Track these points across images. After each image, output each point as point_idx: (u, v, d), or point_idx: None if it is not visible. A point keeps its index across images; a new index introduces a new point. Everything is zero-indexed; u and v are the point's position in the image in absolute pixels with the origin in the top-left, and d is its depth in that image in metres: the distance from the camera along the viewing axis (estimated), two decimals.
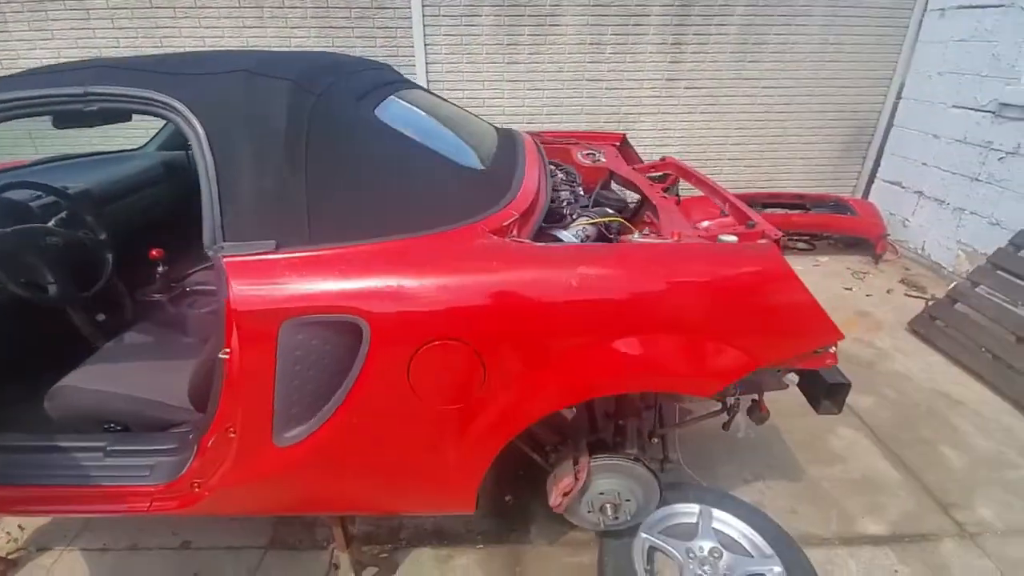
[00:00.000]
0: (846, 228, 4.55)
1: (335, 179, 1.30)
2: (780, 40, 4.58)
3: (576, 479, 1.52)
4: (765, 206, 4.70)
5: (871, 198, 5.07)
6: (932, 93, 4.36)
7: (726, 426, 1.83)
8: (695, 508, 1.89)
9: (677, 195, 2.58)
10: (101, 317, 2.22)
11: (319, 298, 1.21)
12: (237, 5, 4.29)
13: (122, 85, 1.29)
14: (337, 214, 1.29)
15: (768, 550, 1.80)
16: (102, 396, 1.67)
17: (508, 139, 2.16)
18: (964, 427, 2.71)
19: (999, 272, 3.28)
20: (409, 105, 1.80)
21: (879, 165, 5.00)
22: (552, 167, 2.41)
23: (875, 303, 3.92)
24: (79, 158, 2.53)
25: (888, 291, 4.10)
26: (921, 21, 4.47)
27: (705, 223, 1.90)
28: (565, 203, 1.91)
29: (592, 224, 1.73)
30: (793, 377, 1.72)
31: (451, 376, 1.25)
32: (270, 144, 1.26)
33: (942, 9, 4.24)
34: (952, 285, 3.48)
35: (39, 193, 1.97)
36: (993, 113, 3.81)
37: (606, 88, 4.71)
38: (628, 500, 1.62)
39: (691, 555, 1.80)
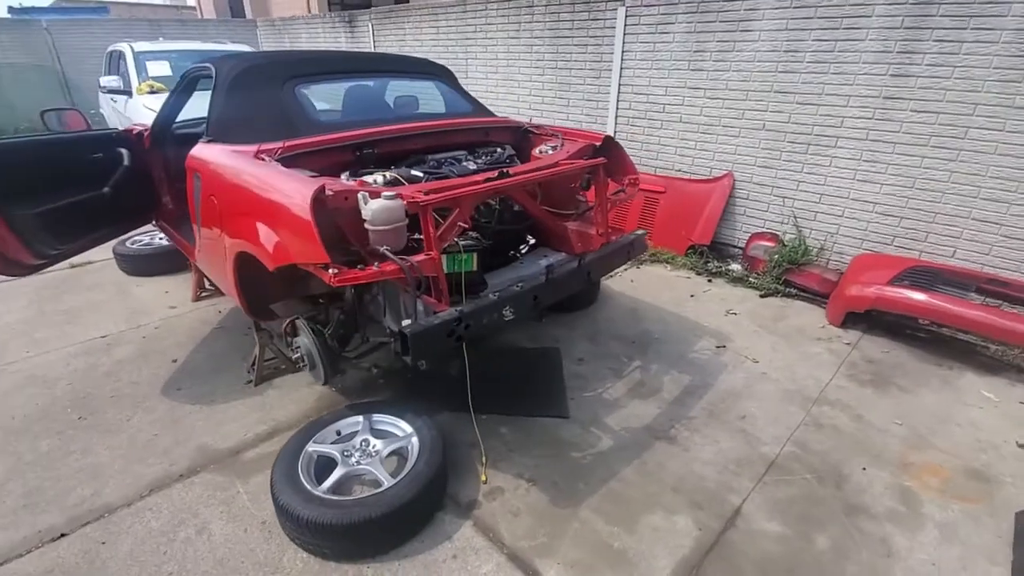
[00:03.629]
0: None
1: (237, 114, 2.48)
2: None
3: (285, 325, 2.31)
4: (980, 291, 3.14)
5: None
6: None
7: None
8: (359, 419, 2.34)
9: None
10: None
11: (198, 160, 2.46)
12: (505, 23, 5.73)
13: (209, 63, 2.80)
14: (229, 130, 2.47)
15: (409, 430, 2.27)
16: None
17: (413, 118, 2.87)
18: None
19: None
20: (342, 86, 2.83)
21: None
22: (497, 148, 2.90)
23: None
24: None
25: None
26: None
27: None
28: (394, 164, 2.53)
29: (381, 175, 2.31)
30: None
31: (214, 215, 2.28)
32: (220, 93, 2.54)
33: None
34: None
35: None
36: None
37: (797, 103, 3.97)
38: (308, 355, 2.27)
39: (347, 453, 2.25)
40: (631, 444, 2.57)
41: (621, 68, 4.91)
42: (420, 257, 1.89)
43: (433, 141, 2.74)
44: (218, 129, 2.53)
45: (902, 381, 3.07)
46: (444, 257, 2.25)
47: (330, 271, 1.75)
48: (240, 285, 2.37)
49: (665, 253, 4.77)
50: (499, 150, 2.91)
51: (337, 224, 1.94)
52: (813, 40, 3.79)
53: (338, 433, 2.35)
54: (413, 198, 1.89)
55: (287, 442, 2.26)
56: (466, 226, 2.06)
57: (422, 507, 2.07)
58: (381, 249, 1.85)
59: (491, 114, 3.22)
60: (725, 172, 4.56)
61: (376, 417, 2.40)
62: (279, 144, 2.26)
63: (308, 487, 2.02)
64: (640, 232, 2.76)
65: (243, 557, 2.00)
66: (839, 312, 3.61)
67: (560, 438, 2.61)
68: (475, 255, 2.31)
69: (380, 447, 2.26)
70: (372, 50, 7.64)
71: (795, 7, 3.80)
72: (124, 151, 3.11)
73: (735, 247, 4.67)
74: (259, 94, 2.52)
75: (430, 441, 2.23)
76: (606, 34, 4.93)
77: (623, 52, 4.85)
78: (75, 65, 9.78)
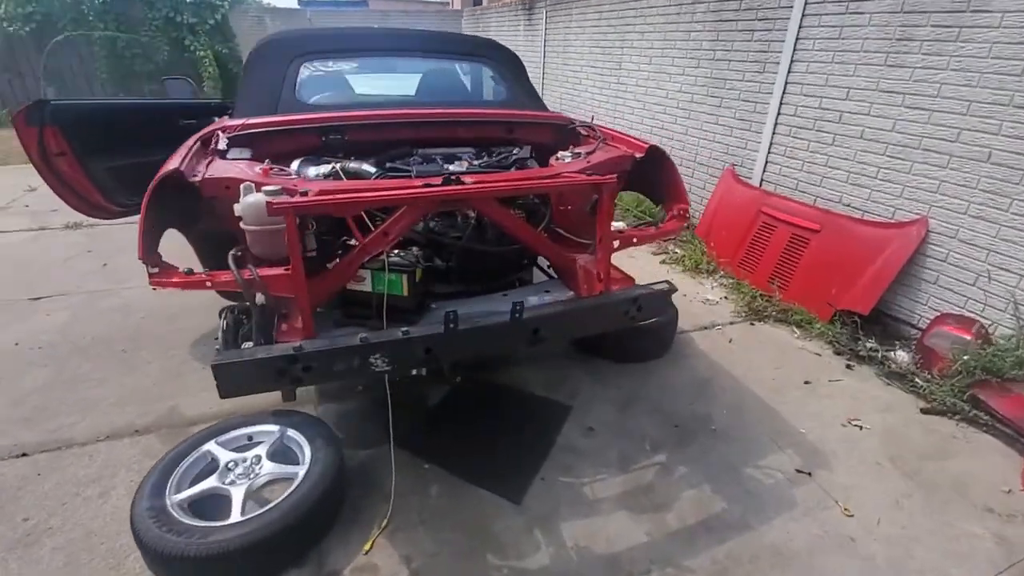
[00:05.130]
0: None
1: (245, 89, 2.41)
2: None
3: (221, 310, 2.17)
4: None
5: None
6: None
7: None
8: (274, 429, 2.08)
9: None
10: None
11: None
12: (666, 5, 4.83)
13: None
14: (238, 105, 2.40)
15: (308, 460, 1.96)
16: None
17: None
18: None
19: None
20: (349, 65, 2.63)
21: None
22: (515, 148, 2.35)
23: None
24: None
25: None
26: None
27: None
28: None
29: (317, 168, 1.99)
30: None
31: None
32: (245, 67, 2.49)
33: None
34: None
35: None
36: None
37: None
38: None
39: (231, 465, 2.00)
40: None
41: (791, 60, 3.72)
42: (273, 271, 1.52)
43: (433, 132, 2.32)
44: (235, 103, 2.51)
45: None
46: (370, 273, 1.86)
47: (148, 270, 1.51)
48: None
49: (799, 312, 3.53)
50: (516, 150, 2.34)
51: (231, 218, 1.69)
52: None
53: (248, 439, 2.15)
54: (289, 198, 1.53)
55: (196, 432, 2.15)
56: (356, 236, 1.61)
57: (262, 559, 1.74)
58: (230, 254, 1.54)
59: (537, 108, 2.63)
60: (916, 217, 3.12)
61: (291, 433, 2.14)
62: (240, 121, 2.10)
63: (167, 491, 1.86)
64: (661, 287, 1.93)
65: (105, 539, 1.94)
66: None
67: (488, 529, 2.01)
68: (405, 277, 1.85)
69: (265, 471, 1.99)
70: (542, 37, 7.35)
71: None
72: (216, 119, 3.37)
73: (908, 326, 3.21)
74: (266, 69, 2.42)
75: (310, 484, 1.88)
76: (779, 15, 3.77)
77: (797, 39, 3.65)
78: None
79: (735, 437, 2.51)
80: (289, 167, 2.02)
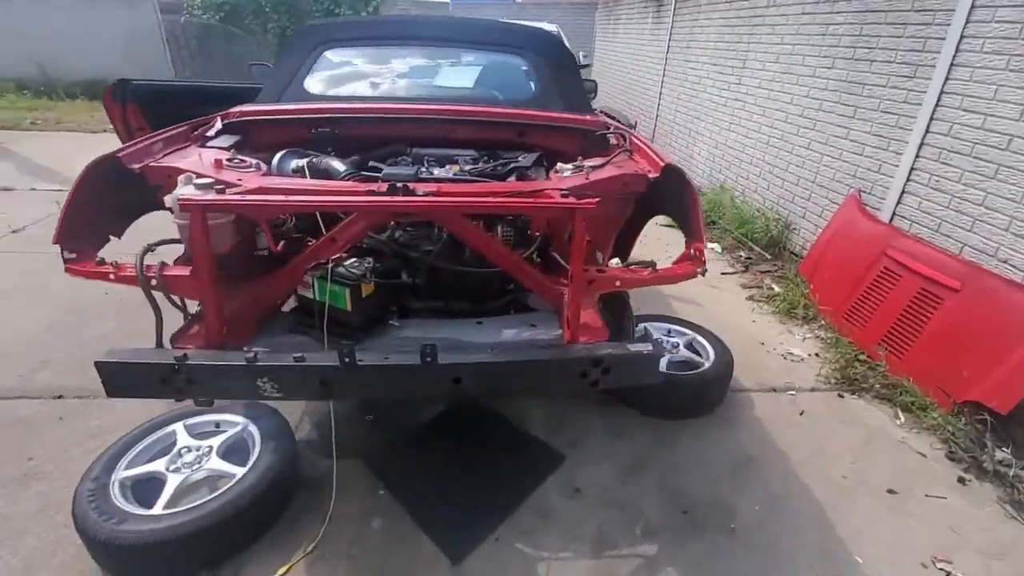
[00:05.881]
0: None
1: (270, 76, 2.38)
2: None
3: None
4: None
5: None
6: None
7: None
8: (240, 420, 2.06)
9: None
10: None
11: None
12: None
13: None
14: (262, 90, 2.39)
15: (251, 463, 1.90)
16: None
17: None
18: None
19: None
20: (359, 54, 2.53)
21: None
22: (521, 154, 2.05)
23: None
24: None
25: None
26: None
27: None
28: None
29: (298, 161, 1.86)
30: None
31: None
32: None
33: None
34: None
35: None
36: None
37: None
38: None
39: (183, 451, 2.00)
40: None
41: (951, 64, 2.83)
42: (177, 270, 1.43)
43: (431, 131, 2.09)
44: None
45: None
46: (315, 281, 1.72)
47: (64, 256, 1.49)
48: None
49: (910, 392, 2.72)
50: (521, 157, 2.01)
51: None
52: None
53: (216, 426, 2.15)
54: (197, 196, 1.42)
55: (172, 410, 2.19)
56: (269, 243, 1.46)
57: (169, 559, 1.70)
58: (145, 245, 1.48)
59: (573, 109, 2.25)
60: None
61: (251, 429, 2.09)
62: (238, 109, 2.07)
63: (116, 467, 1.90)
64: (639, 348, 1.48)
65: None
66: None
67: None
68: (348, 291, 1.67)
69: (207, 465, 1.95)
70: (668, 32, 6.69)
71: None
72: None
73: None
74: (288, 57, 2.38)
75: (238, 492, 1.80)
76: (942, 6, 2.89)
77: (961, 37, 2.76)
78: None
79: (758, 545, 1.95)
80: (272, 159, 1.95)
